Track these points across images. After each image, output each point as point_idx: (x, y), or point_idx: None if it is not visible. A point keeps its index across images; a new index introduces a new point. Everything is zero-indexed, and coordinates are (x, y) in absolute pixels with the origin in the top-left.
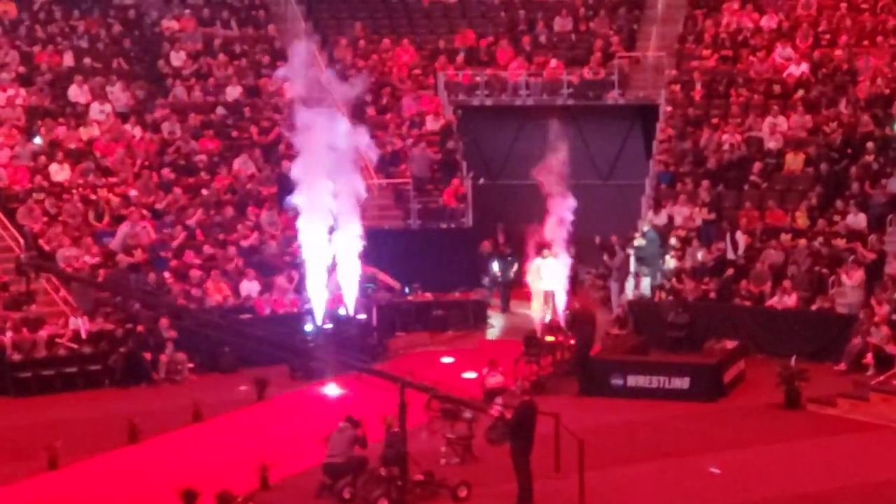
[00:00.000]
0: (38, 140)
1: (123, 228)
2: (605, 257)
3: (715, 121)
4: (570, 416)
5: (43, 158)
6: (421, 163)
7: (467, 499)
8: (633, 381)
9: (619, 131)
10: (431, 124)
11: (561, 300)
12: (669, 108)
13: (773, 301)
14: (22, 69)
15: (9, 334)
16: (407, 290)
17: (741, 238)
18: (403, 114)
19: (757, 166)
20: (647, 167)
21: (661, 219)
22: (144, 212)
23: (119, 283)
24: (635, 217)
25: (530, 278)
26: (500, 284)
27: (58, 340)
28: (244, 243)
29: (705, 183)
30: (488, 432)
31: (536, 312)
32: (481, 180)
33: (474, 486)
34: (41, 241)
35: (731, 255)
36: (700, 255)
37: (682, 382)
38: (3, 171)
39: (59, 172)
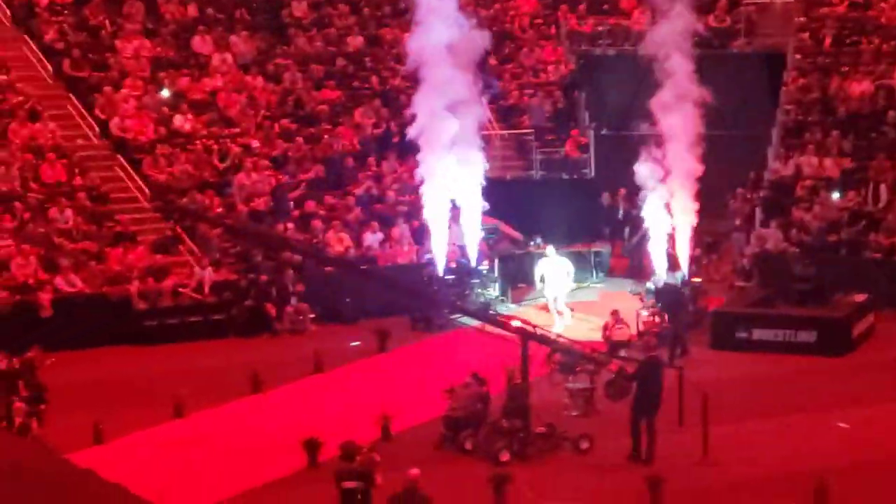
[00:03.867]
0: (163, 91)
1: (244, 179)
2: (730, 206)
3: (845, 69)
4: (695, 369)
5: (167, 109)
6: (540, 113)
7: (589, 451)
8: (759, 334)
9: (744, 80)
10: (553, 74)
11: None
12: (798, 56)
13: None
14: (147, 21)
15: (135, 283)
16: (529, 241)
17: (884, 189)
18: (524, 63)
19: (890, 115)
20: (773, 116)
21: (788, 169)
22: (266, 162)
23: (259, 229)
24: (761, 168)
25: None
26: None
27: (182, 290)
28: (365, 193)
29: (835, 133)
30: (607, 387)
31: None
32: (603, 131)
33: (596, 439)
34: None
35: (870, 207)
36: (834, 206)
37: (808, 336)
38: (129, 122)
39: (183, 123)
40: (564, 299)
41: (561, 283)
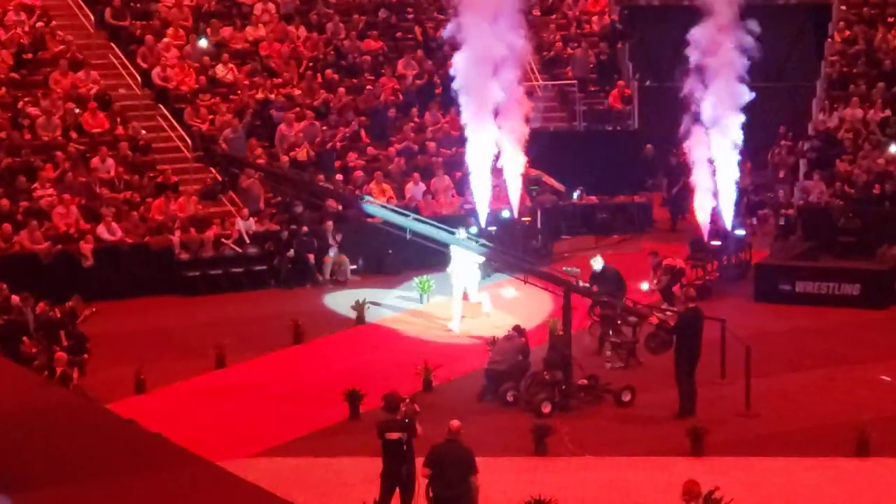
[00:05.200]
0: (203, 41)
1: (285, 129)
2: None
3: (891, 20)
4: (737, 321)
5: (208, 59)
6: (584, 64)
7: (631, 404)
8: (802, 286)
9: (789, 32)
10: (596, 25)
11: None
12: (843, 8)
13: None
14: None
15: (177, 234)
16: (572, 192)
17: None
18: (567, 14)
19: None
20: (818, 68)
21: (833, 121)
22: (308, 112)
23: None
24: (805, 119)
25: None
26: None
27: (224, 241)
28: (407, 145)
29: (880, 85)
30: (648, 340)
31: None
32: (647, 82)
33: (639, 392)
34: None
35: None
36: (881, 158)
37: (852, 289)
38: (171, 71)
39: (225, 73)
40: (476, 289)
41: (471, 272)
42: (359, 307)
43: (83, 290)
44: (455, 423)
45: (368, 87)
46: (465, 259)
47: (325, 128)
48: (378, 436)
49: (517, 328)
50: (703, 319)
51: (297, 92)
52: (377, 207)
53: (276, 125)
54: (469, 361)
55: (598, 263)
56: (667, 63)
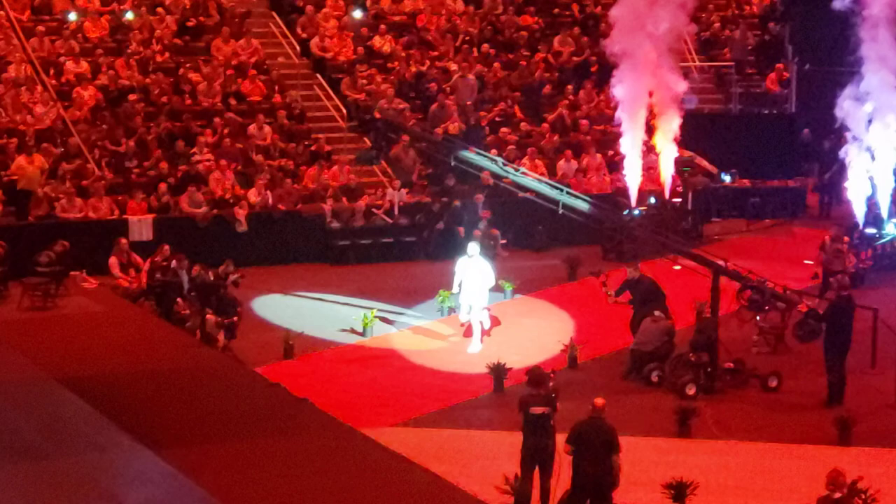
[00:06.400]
0: (359, 12)
1: (434, 108)
2: None
3: None
4: (890, 311)
5: (366, 30)
6: (742, 46)
7: (777, 389)
8: None
9: None
10: (756, 7)
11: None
12: None
13: None
14: None
15: (329, 202)
16: (724, 175)
17: None
18: None
19: None
20: None
21: None
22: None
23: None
24: None
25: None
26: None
27: (374, 211)
28: (560, 121)
29: None
30: (797, 328)
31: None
32: (807, 66)
33: (785, 378)
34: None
35: None
36: None
37: None
38: (329, 41)
39: (383, 44)
40: (480, 308)
41: (477, 289)
42: (503, 284)
43: (236, 254)
44: (599, 400)
45: (524, 63)
46: (472, 276)
47: (479, 102)
48: (519, 410)
49: (662, 310)
50: (854, 308)
51: (452, 66)
52: (531, 180)
53: (430, 98)
54: (616, 339)
55: (635, 272)
56: (828, 47)
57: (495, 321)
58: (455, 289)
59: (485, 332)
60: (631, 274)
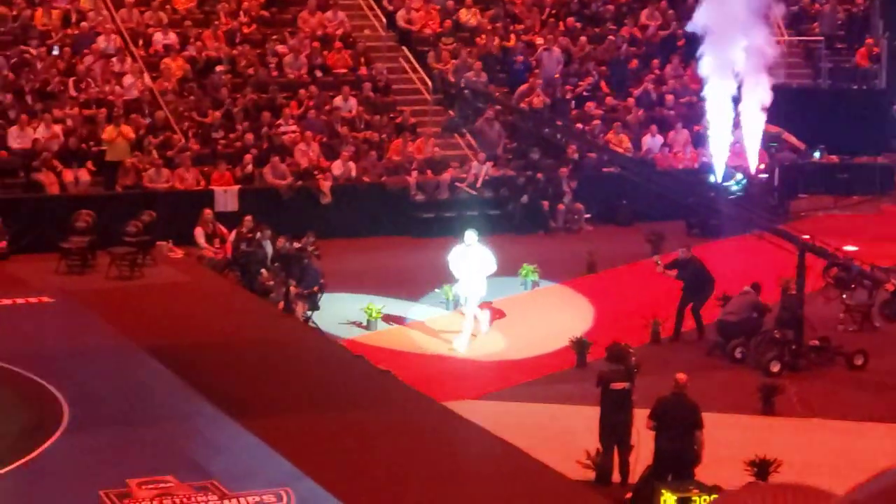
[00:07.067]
0: None
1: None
2: None
3: None
4: None
5: (452, 3)
6: (832, 20)
7: (863, 368)
8: None
9: None
10: None
11: None
12: None
13: None
14: None
15: (414, 175)
16: (814, 151)
17: None
18: None
19: None
20: None
21: None
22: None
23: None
24: None
25: None
26: None
27: (459, 184)
28: (646, 96)
29: None
30: (884, 307)
31: None
32: None
33: (871, 357)
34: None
35: None
36: None
37: None
38: (415, 14)
39: (469, 17)
40: (477, 302)
41: (474, 280)
42: (589, 256)
43: (319, 226)
44: (681, 375)
45: (610, 37)
46: (470, 271)
47: (566, 76)
48: (598, 385)
49: (754, 285)
50: None
51: (538, 40)
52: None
53: (516, 71)
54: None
55: (686, 252)
56: None
57: (498, 314)
58: (456, 278)
59: (474, 332)
60: (682, 254)
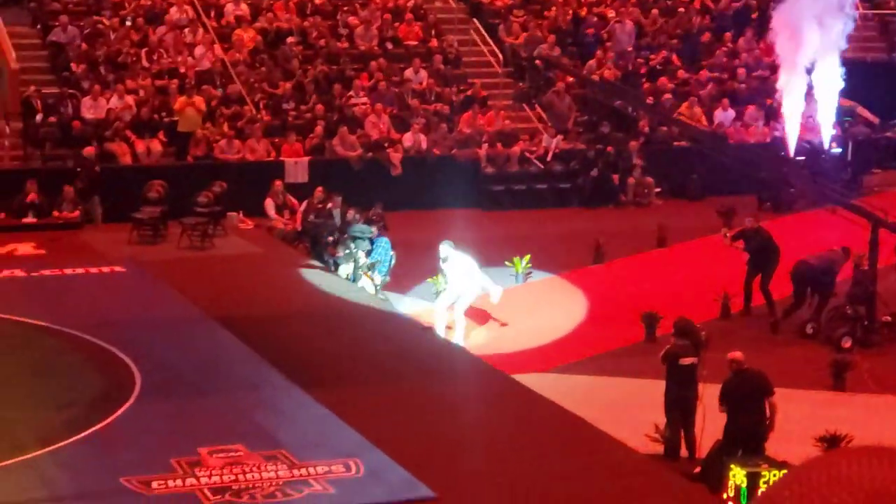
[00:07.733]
0: None
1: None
2: None
3: None
4: None
5: None
6: None
7: None
8: None
9: None
10: None
11: None
12: None
13: None
14: None
15: (484, 147)
16: (887, 126)
17: None
18: None
19: None
20: None
21: None
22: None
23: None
24: None
25: None
26: None
27: (528, 157)
28: (719, 70)
29: None
30: None
31: None
32: None
33: None
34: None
35: None
36: None
37: None
38: None
39: None
40: (464, 307)
41: (465, 287)
42: (659, 230)
43: (389, 197)
44: (735, 353)
45: (682, 9)
46: (461, 273)
47: (638, 49)
48: (664, 360)
49: (844, 249)
50: None
51: (610, 13)
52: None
53: (587, 44)
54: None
55: (753, 222)
56: None
57: (483, 316)
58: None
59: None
60: (749, 223)
